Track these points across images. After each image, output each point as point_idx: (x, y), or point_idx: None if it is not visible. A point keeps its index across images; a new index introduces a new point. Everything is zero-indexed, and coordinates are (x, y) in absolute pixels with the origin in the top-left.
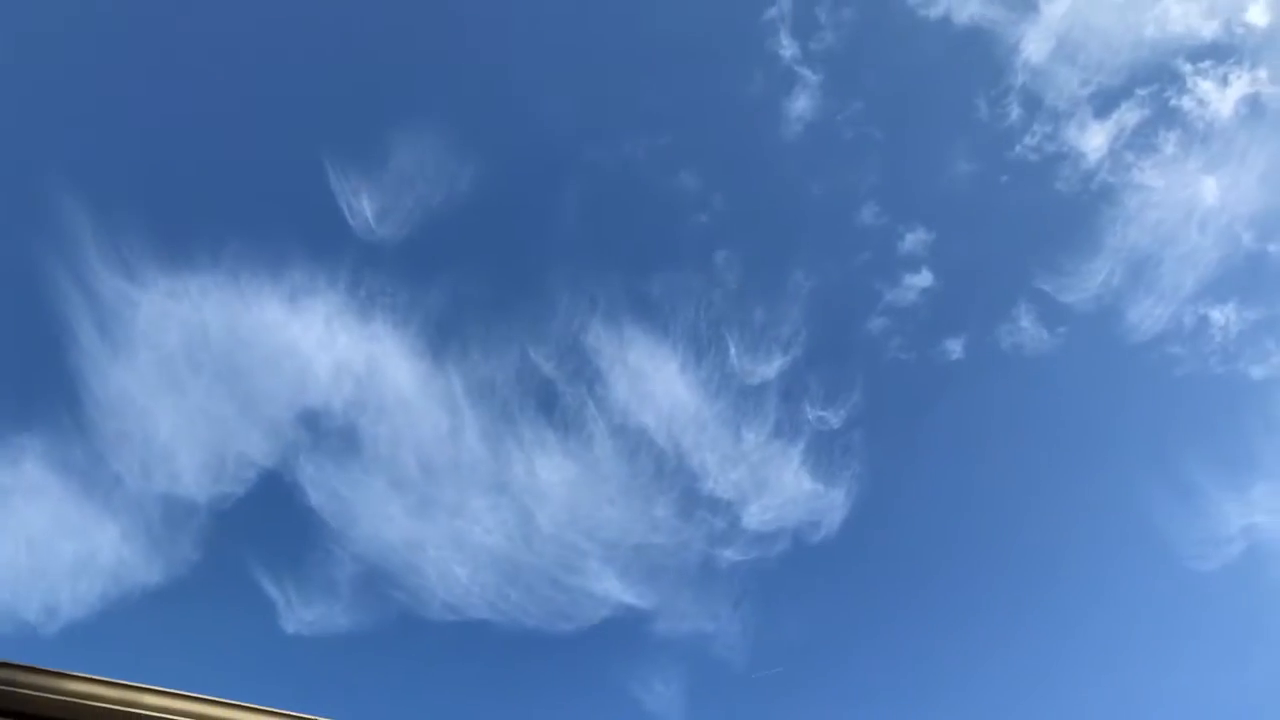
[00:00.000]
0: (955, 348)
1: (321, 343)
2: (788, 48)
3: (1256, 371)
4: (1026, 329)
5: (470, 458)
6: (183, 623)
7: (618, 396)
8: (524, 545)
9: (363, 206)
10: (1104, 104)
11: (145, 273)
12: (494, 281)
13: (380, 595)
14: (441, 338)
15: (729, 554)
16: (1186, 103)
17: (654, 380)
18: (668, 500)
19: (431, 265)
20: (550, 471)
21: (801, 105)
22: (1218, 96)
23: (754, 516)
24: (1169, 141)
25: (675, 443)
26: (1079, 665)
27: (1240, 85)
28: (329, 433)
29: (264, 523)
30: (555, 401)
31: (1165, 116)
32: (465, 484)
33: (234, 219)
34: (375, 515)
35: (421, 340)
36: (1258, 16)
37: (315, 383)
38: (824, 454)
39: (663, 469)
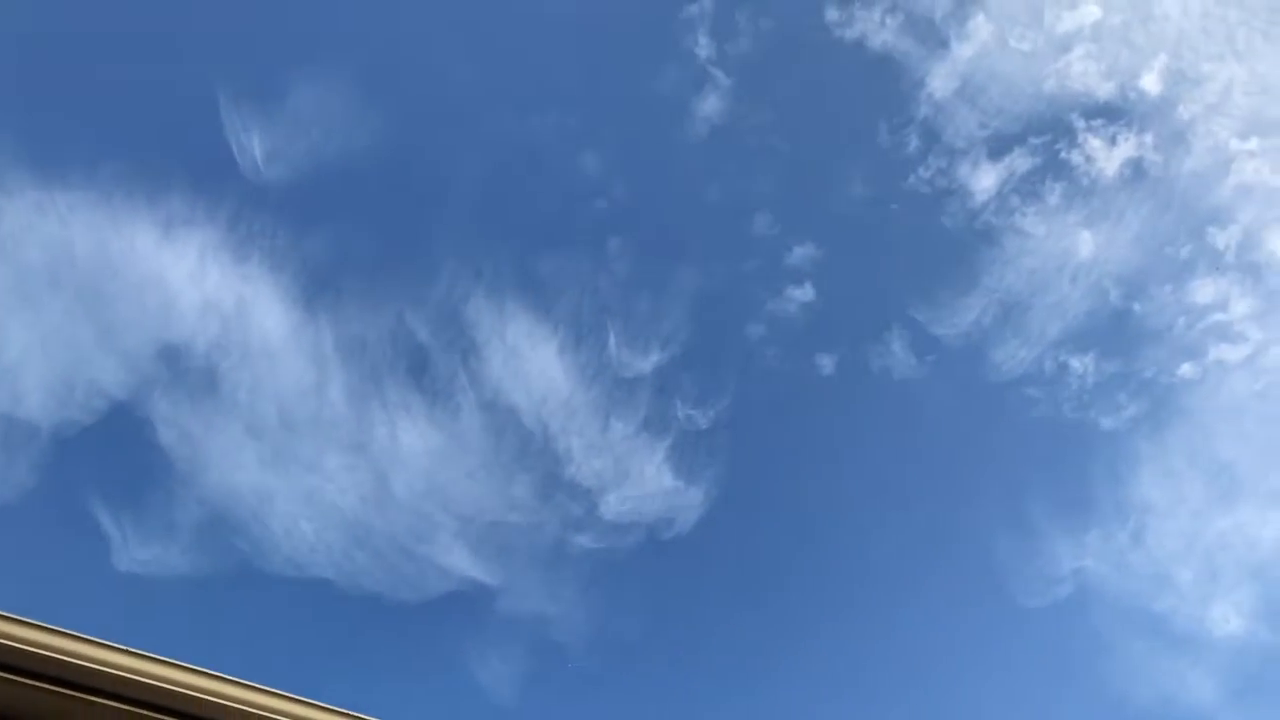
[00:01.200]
0: (827, 363)
1: (192, 276)
2: (704, 47)
3: (1106, 422)
4: (897, 354)
5: (332, 414)
6: (9, 546)
7: (491, 371)
8: (376, 509)
9: (253, 144)
10: (998, 148)
11: (11, 181)
12: (379, 239)
13: (222, 542)
14: (317, 288)
15: (582, 540)
16: (1075, 157)
17: (530, 360)
18: (528, 481)
19: (317, 214)
20: (413, 438)
21: (710, 106)
22: (1105, 155)
23: (612, 506)
24: (1054, 192)
25: (543, 425)
26: (901, 683)
27: (1127, 147)
28: (188, 371)
29: (108, 455)
30: (426, 368)
31: (1054, 167)
32: (323, 440)
33: (116, 139)
34: (227, 461)
35: (296, 288)
36: (1151, 84)
37: (180, 318)
38: (688, 453)
39: (527, 449)
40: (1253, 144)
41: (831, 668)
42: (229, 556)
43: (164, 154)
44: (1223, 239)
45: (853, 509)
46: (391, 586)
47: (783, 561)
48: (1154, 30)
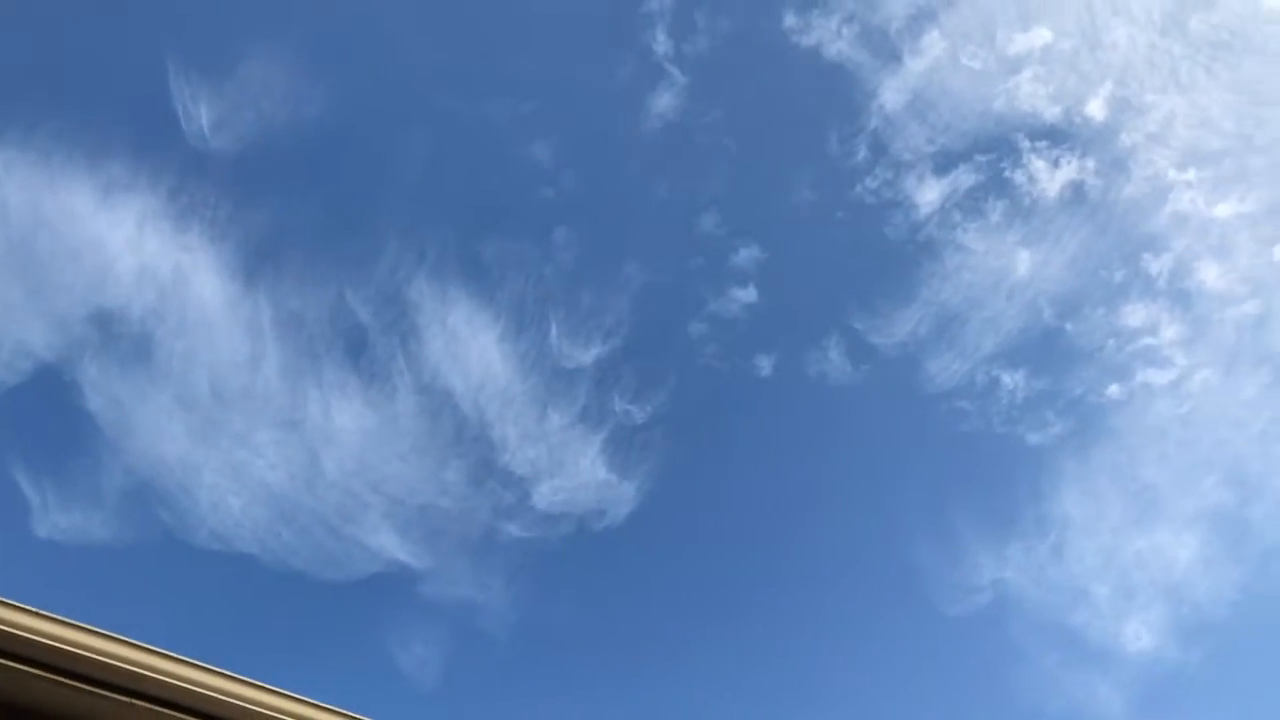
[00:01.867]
0: (765, 365)
1: (130, 242)
2: (662, 44)
3: (1033, 438)
4: (834, 361)
5: (265, 389)
6: None
7: (430, 355)
8: (305, 487)
9: (199, 112)
10: (944, 163)
11: None
12: (324, 215)
13: (146, 512)
14: (258, 261)
15: (513, 529)
16: (1018, 177)
17: (470, 345)
18: (461, 466)
19: (261, 186)
20: (346, 418)
21: (665, 102)
22: (1047, 177)
23: (544, 496)
24: (996, 210)
25: (480, 411)
26: (817, 683)
27: (1069, 170)
28: (121, 337)
29: (33, 418)
30: (364, 349)
31: (997, 186)
32: (255, 415)
33: (58, 99)
34: (155, 430)
35: (236, 260)
36: (1096, 110)
37: (116, 283)
38: (623, 446)
39: (462, 435)
40: (1190, 175)
41: (751, 666)
42: (152, 527)
43: (108, 117)
44: (1156, 265)
45: (782, 511)
46: (317, 565)
47: (710, 559)
48: (1101, 58)
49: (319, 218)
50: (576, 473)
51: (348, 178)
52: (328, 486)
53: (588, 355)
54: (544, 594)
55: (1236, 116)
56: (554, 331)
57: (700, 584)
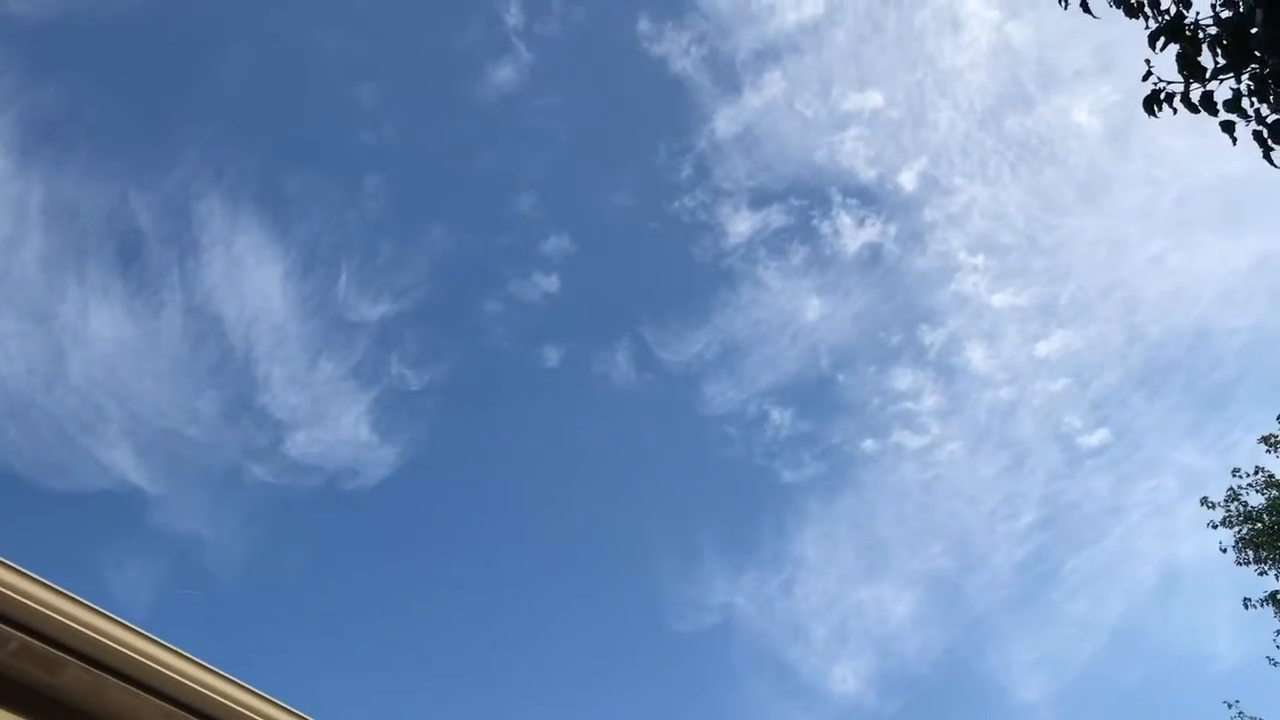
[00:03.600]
0: (553, 356)
1: None
2: (514, 16)
3: (788, 475)
4: (620, 365)
5: (20, 275)
6: None
7: (208, 277)
8: (44, 386)
9: None
10: (760, 199)
11: None
12: (122, 108)
13: None
14: (39, 141)
15: (259, 471)
16: (825, 228)
17: (252, 276)
18: (218, 398)
19: (63, 60)
20: (104, 323)
21: (505, 75)
22: (851, 234)
23: (299, 445)
24: (798, 254)
25: (249, 345)
26: (535, 680)
27: (871, 231)
28: None
29: None
30: (138, 256)
31: (804, 232)
32: (3, 301)
33: None
34: None
35: (16, 133)
36: (907, 181)
37: None
38: (392, 410)
39: (225, 366)
40: (978, 260)
41: (470, 648)
42: None
43: None
44: (931, 337)
45: (538, 502)
46: (41, 470)
47: (456, 539)
48: (922, 135)
49: (117, 110)
50: (337, 428)
51: (156, 76)
52: (69, 390)
53: (374, 311)
54: (279, 543)
55: (1028, 217)
56: (344, 280)
57: (439, 563)
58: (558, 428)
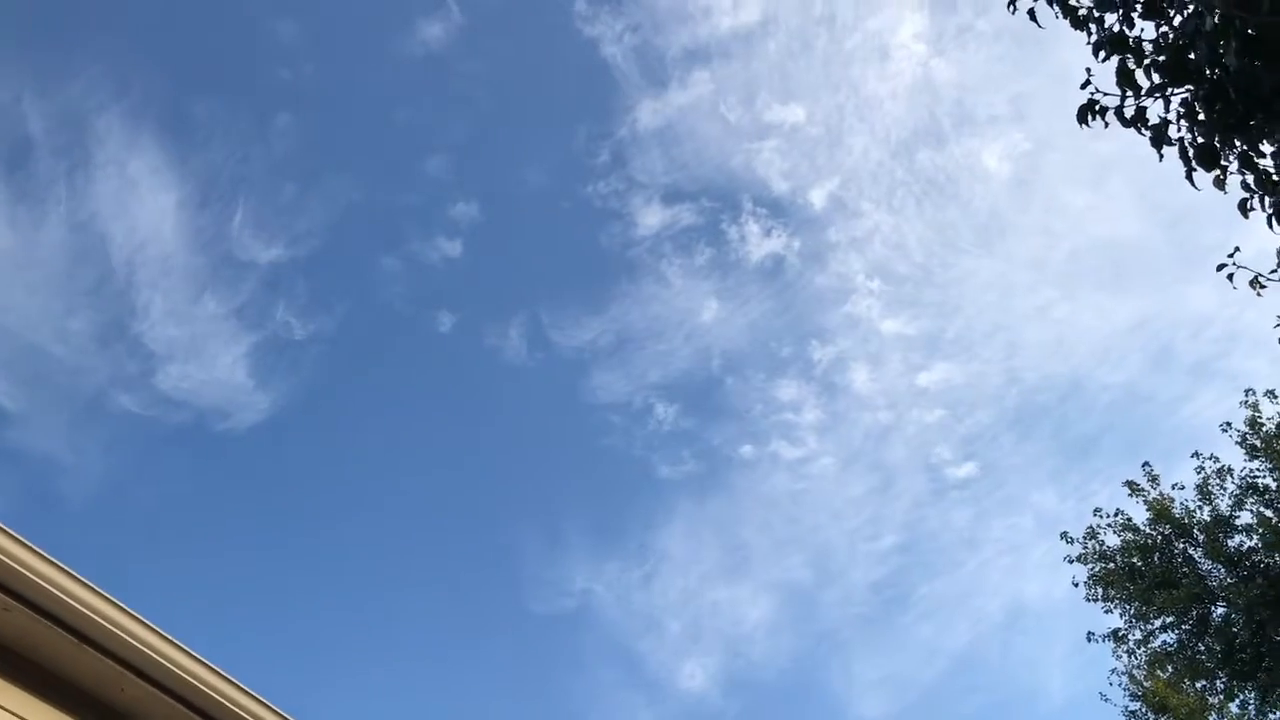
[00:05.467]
0: (446, 323)
1: None
2: None
3: (664, 470)
4: (512, 340)
5: None
6: None
7: (97, 194)
8: None
9: None
10: (672, 196)
11: None
12: (26, 9)
13: None
14: None
15: (126, 401)
16: (732, 233)
17: (144, 200)
18: (92, 319)
19: None
20: None
21: (434, 33)
22: (756, 242)
23: (171, 379)
24: (703, 255)
25: (131, 270)
26: (376, 650)
27: (776, 243)
28: None
29: None
30: (26, 163)
31: (711, 234)
32: None
33: None
34: None
35: None
36: (817, 199)
37: None
38: (271, 356)
39: (103, 288)
40: (875, 285)
41: (318, 613)
42: None
43: None
44: (819, 354)
45: (410, 466)
46: None
47: (319, 493)
48: (837, 156)
49: (20, 10)
50: (213, 367)
51: None
52: None
53: (267, 253)
54: (137, 476)
55: (926, 251)
56: (240, 217)
57: (297, 515)
58: (441, 396)
